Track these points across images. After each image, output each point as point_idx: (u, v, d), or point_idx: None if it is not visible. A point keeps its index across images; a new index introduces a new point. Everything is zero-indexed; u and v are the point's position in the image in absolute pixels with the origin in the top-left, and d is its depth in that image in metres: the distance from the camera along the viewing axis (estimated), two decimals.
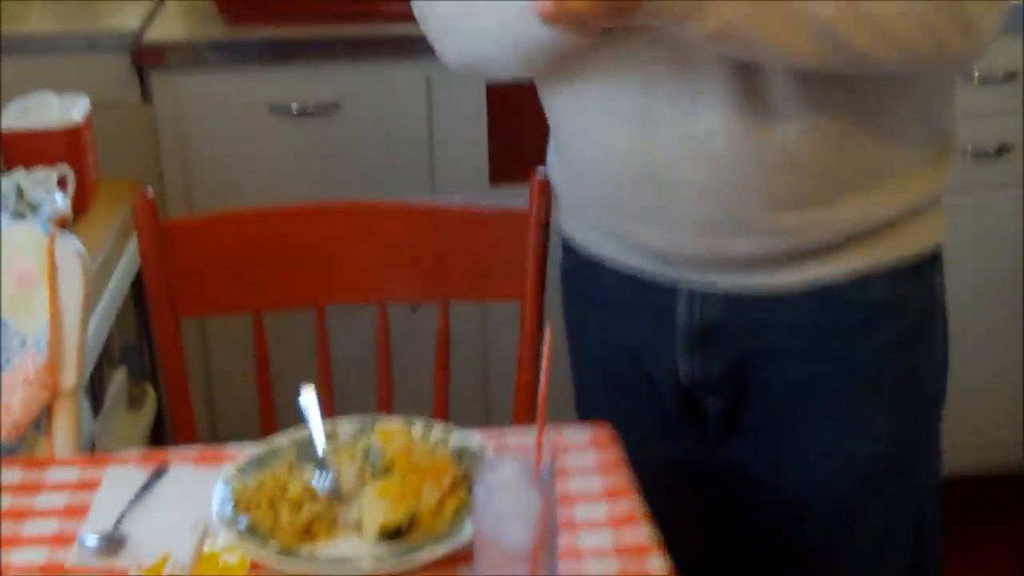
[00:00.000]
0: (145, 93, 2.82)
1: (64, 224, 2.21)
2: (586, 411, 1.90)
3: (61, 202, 2.23)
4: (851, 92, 1.57)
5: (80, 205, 2.38)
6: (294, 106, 2.79)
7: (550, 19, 1.43)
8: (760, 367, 1.72)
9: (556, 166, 1.81)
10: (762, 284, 1.67)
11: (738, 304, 1.69)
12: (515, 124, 2.75)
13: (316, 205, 2.08)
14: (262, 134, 2.83)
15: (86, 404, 2.19)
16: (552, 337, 1.38)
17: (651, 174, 1.61)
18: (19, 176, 2.24)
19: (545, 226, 2.00)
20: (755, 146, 1.57)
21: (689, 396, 1.78)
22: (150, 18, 2.93)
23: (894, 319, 1.70)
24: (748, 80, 1.55)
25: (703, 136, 1.57)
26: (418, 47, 1.74)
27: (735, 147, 1.57)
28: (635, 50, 1.58)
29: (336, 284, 2.04)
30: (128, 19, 2.93)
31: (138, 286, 2.52)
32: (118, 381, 2.53)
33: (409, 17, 1.76)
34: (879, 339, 1.70)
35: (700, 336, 1.72)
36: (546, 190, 1.97)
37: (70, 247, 1.91)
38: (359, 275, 2.04)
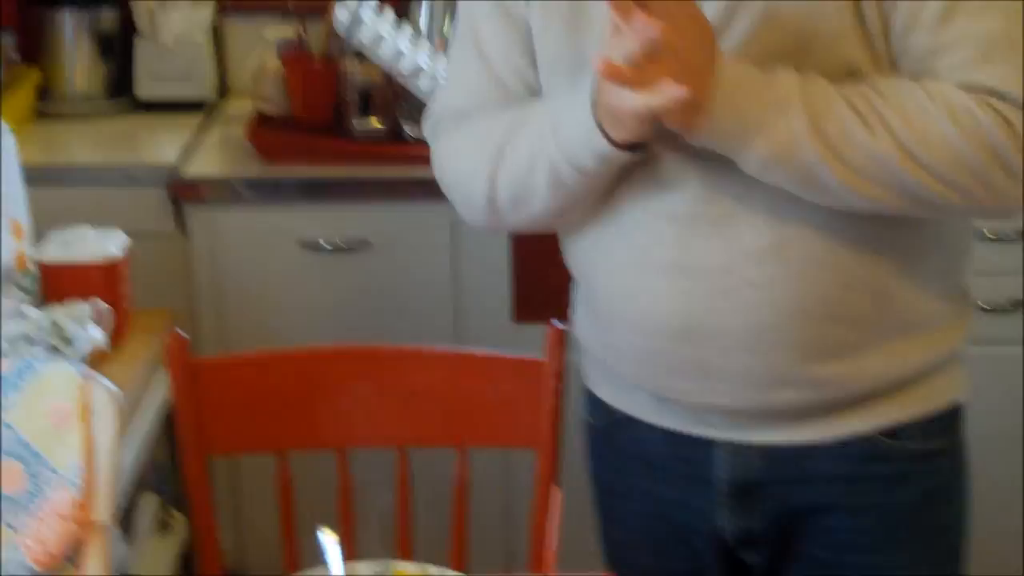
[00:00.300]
0: (181, 225, 2.91)
1: (99, 358, 2.27)
2: (619, 567, 1.88)
3: (96, 336, 2.29)
4: (884, 246, 1.61)
5: (115, 337, 2.42)
6: (325, 243, 2.87)
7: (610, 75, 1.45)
8: (801, 521, 1.74)
9: (584, 321, 1.81)
10: (797, 438, 1.69)
11: (774, 460, 1.70)
12: (539, 265, 2.80)
13: (341, 349, 2.16)
14: (293, 268, 2.91)
15: (118, 530, 2.23)
16: (562, 499, 1.44)
17: (690, 327, 1.62)
18: (55, 311, 2.29)
19: (560, 377, 2.04)
20: (794, 298, 1.59)
21: (729, 551, 1.78)
22: (188, 153, 3.02)
23: (928, 471, 1.74)
24: (786, 232, 1.58)
25: (743, 289, 1.59)
26: None
27: (775, 299, 1.59)
28: (671, 205, 1.61)
29: (359, 427, 2.09)
30: (166, 153, 3.03)
31: (170, 414, 2.56)
32: (149, 507, 2.58)
33: None
34: (915, 490, 1.73)
35: (739, 493, 1.73)
36: (561, 340, 2.02)
37: (103, 389, 1.96)
38: (381, 418, 2.10)
